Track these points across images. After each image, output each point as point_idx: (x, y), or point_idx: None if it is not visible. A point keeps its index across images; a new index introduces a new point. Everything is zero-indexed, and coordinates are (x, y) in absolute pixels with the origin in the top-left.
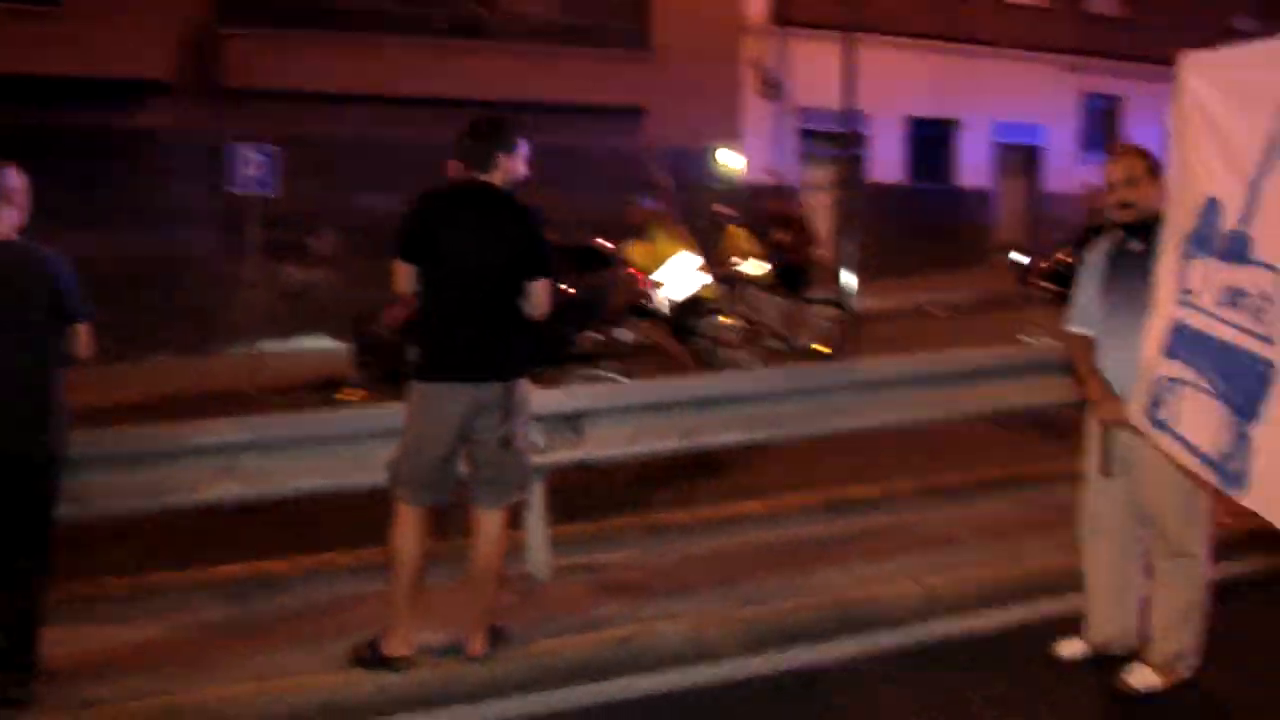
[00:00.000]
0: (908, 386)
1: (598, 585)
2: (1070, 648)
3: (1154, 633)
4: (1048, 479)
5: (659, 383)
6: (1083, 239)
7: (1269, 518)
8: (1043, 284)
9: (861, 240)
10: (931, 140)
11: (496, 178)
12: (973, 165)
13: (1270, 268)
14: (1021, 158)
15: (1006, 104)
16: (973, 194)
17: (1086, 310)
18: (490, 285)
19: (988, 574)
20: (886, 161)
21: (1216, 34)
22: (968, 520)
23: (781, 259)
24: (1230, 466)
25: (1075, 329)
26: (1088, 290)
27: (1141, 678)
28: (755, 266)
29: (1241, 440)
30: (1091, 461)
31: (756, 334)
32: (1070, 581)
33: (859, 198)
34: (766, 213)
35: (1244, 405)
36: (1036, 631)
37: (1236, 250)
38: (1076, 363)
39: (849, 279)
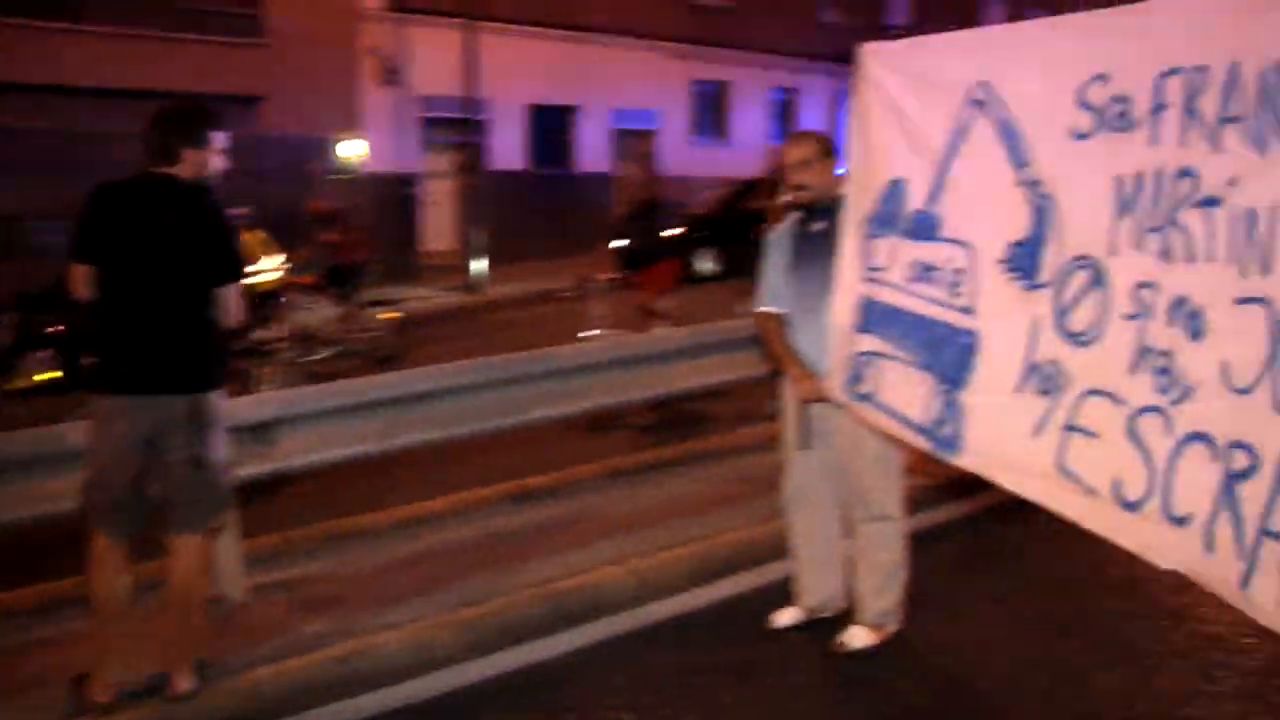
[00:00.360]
0: (606, 370)
1: (299, 602)
2: (785, 616)
3: (862, 593)
4: (726, 453)
5: (353, 383)
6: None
7: (985, 476)
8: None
9: (491, 226)
10: (552, 127)
11: (184, 171)
12: (592, 150)
13: (962, 244)
14: (638, 142)
15: (622, 91)
16: (593, 178)
17: (776, 290)
18: (172, 289)
19: (690, 552)
20: (508, 148)
21: (807, 25)
22: (659, 501)
23: (329, 260)
24: (943, 432)
25: (767, 308)
26: (776, 270)
27: (855, 637)
28: (276, 271)
29: (952, 407)
30: (789, 435)
31: (297, 343)
32: (770, 553)
33: (481, 185)
34: (309, 212)
35: (952, 374)
36: (748, 604)
37: (925, 228)
38: (770, 341)
39: (479, 266)
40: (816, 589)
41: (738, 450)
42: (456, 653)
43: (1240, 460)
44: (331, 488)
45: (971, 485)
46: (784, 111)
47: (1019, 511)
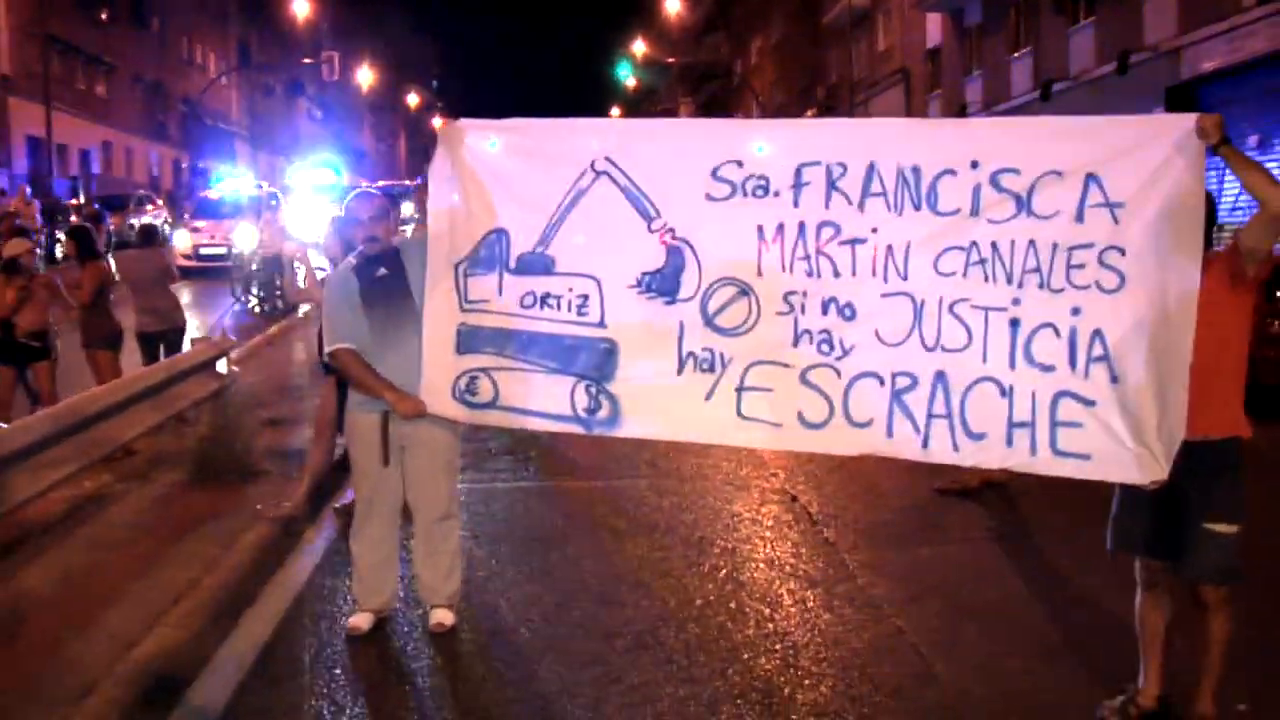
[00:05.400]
0: None
1: None
2: (362, 620)
3: (434, 581)
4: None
5: None
6: None
7: (643, 436)
8: None
9: None
10: None
11: None
12: None
13: (585, 276)
14: None
15: None
16: None
17: (354, 328)
18: None
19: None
20: None
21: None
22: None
23: None
24: (599, 415)
25: (343, 344)
26: (344, 310)
27: (446, 616)
28: None
29: (603, 394)
30: (369, 457)
31: None
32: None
33: None
34: None
35: (594, 373)
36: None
37: (537, 266)
38: (359, 372)
39: None
40: (383, 589)
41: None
42: None
43: (903, 381)
44: None
45: None
46: None
47: None
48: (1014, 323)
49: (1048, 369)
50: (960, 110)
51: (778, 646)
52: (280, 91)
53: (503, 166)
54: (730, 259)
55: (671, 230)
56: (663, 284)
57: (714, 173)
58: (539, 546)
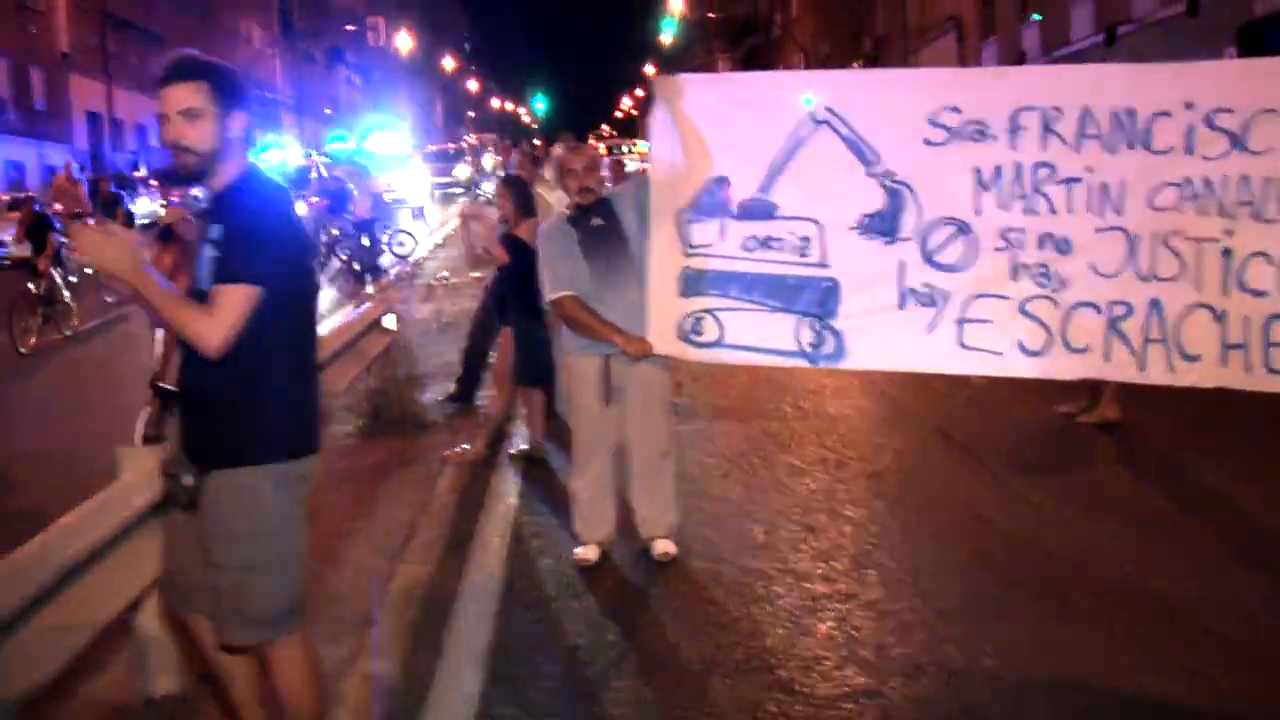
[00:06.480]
0: None
1: None
2: (589, 552)
3: (651, 514)
4: None
5: None
6: None
7: (868, 368)
8: None
9: None
10: None
11: None
12: None
13: (806, 219)
14: None
15: None
16: None
17: (576, 276)
18: None
19: None
20: None
21: None
22: None
23: None
24: (824, 350)
25: (565, 292)
26: (567, 260)
27: (667, 546)
28: None
29: (827, 330)
30: (590, 398)
31: None
32: None
33: None
34: None
35: (818, 309)
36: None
37: (761, 210)
38: (586, 318)
39: None
40: (605, 523)
41: None
42: None
43: (1119, 310)
44: None
45: None
46: None
47: None
48: (1226, 252)
49: (1260, 294)
50: (1018, 58)
51: (993, 558)
52: (321, 59)
53: (721, 117)
54: (948, 199)
55: (891, 174)
56: (882, 225)
57: (931, 119)
58: (722, 482)
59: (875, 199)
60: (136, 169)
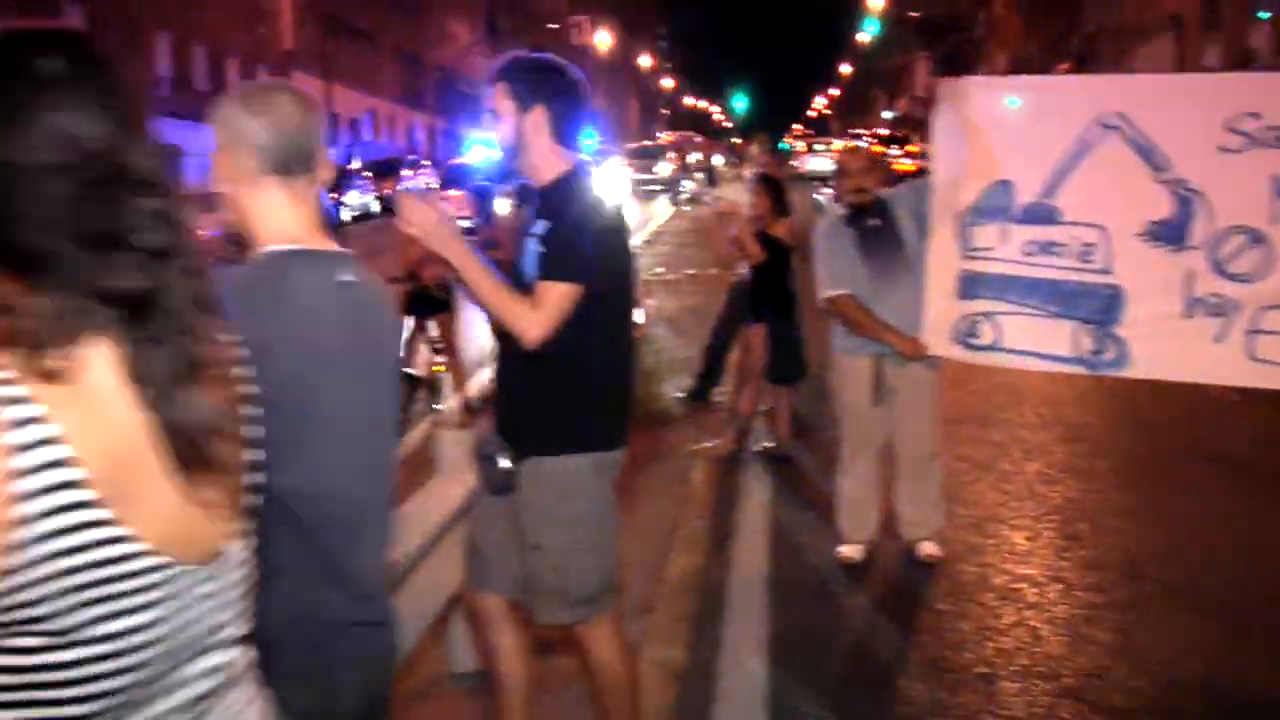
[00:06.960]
0: None
1: None
2: (854, 551)
3: (917, 515)
4: None
5: None
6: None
7: (1151, 377)
8: None
9: None
10: None
11: None
12: None
13: (1090, 225)
14: None
15: None
16: None
17: (850, 275)
18: None
19: None
20: None
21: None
22: None
23: None
24: (1105, 357)
25: (840, 291)
26: (844, 260)
27: (933, 548)
28: None
29: (1108, 338)
30: (858, 396)
31: None
32: None
33: None
34: None
35: (1100, 316)
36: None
37: (1044, 215)
38: (862, 317)
39: None
40: (869, 522)
41: None
42: None
43: None
44: None
45: None
46: None
47: None
48: None
49: None
50: (1243, 59)
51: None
52: None
53: (1007, 120)
54: (1242, 208)
55: (1182, 180)
56: (1170, 232)
57: (1228, 125)
58: (974, 487)
59: (1164, 206)
60: (350, 162)
